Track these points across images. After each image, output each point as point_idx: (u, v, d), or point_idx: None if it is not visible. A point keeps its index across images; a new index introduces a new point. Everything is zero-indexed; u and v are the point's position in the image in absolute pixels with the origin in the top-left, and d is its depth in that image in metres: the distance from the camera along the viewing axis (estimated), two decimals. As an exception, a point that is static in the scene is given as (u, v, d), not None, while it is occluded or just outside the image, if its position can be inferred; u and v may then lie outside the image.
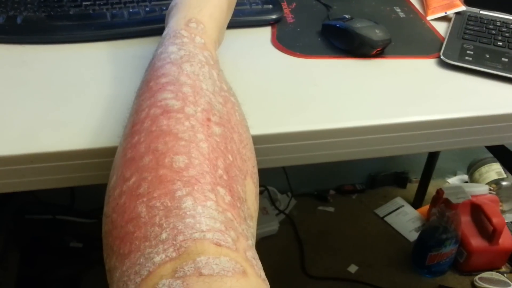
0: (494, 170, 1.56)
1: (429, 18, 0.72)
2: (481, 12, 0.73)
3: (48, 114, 0.47)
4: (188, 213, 0.27)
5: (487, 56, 0.61)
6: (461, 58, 0.60)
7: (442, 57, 0.61)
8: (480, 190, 1.41)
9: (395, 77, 0.58)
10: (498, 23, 0.69)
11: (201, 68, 0.39)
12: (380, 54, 0.62)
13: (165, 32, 0.45)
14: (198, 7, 0.46)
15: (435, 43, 0.65)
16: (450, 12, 0.72)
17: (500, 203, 1.47)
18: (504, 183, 1.53)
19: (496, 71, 0.59)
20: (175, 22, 0.45)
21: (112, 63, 0.56)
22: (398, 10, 0.74)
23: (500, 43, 0.64)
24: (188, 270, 0.25)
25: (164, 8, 0.64)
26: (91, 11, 0.62)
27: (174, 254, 0.25)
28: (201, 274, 0.24)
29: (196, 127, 0.33)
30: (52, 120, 0.46)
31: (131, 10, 0.62)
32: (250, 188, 0.35)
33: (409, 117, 0.52)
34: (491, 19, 0.70)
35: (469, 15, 0.71)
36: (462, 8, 0.72)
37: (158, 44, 0.44)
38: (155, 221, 0.27)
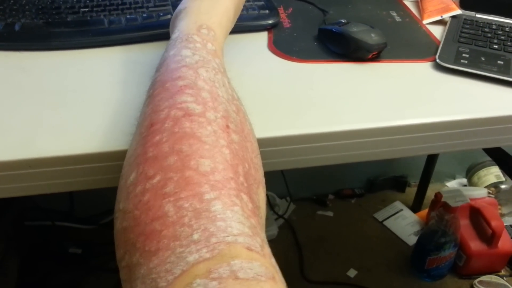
0: (492, 174, 1.56)
1: (425, 22, 0.73)
2: (477, 15, 0.73)
3: (46, 120, 0.47)
4: (218, 216, 0.28)
5: (483, 59, 0.62)
6: (456, 61, 0.61)
7: (438, 60, 0.61)
8: (478, 193, 1.41)
9: (391, 80, 0.59)
10: (494, 27, 0.70)
11: (215, 75, 0.39)
12: (376, 58, 0.62)
13: (175, 35, 0.44)
14: (208, 13, 0.46)
15: (431, 47, 0.66)
16: (446, 16, 0.72)
17: (499, 207, 1.47)
18: (503, 186, 1.53)
19: (492, 73, 0.59)
20: (186, 26, 0.45)
21: (109, 69, 0.57)
22: (394, 14, 0.75)
23: (496, 46, 0.65)
24: (224, 273, 0.25)
25: (161, 14, 0.64)
26: (88, 18, 0.62)
27: (207, 255, 0.26)
28: (237, 278, 0.24)
29: (218, 133, 0.34)
30: (50, 125, 0.47)
31: (128, 16, 0.63)
32: (262, 197, 0.36)
33: (405, 120, 0.52)
34: (486, 23, 0.71)
35: (464, 19, 0.72)
36: (458, 11, 0.72)
37: (169, 46, 0.44)
38: (184, 222, 0.27)
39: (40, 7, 0.63)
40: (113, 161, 0.45)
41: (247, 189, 0.32)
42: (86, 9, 0.63)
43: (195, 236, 0.27)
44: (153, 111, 0.35)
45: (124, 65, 0.57)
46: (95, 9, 0.63)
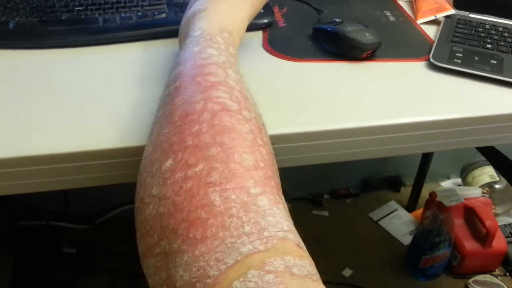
0: (487, 173, 1.57)
1: (419, 21, 0.73)
2: (470, 15, 0.73)
3: (40, 118, 0.47)
4: (267, 211, 0.28)
5: (476, 58, 0.62)
6: (450, 61, 0.61)
7: (431, 59, 0.61)
8: (473, 193, 1.42)
9: (385, 79, 0.59)
10: (487, 26, 0.70)
11: (240, 78, 0.40)
12: (370, 57, 0.62)
13: (197, 33, 0.44)
14: (229, 19, 0.47)
15: (424, 46, 0.66)
16: (440, 16, 0.73)
17: (493, 206, 1.48)
18: (497, 186, 1.53)
19: (485, 73, 0.59)
20: (208, 26, 0.45)
21: (104, 68, 0.57)
22: (388, 14, 0.75)
23: (489, 46, 0.65)
24: (279, 267, 0.25)
25: (156, 12, 0.64)
26: (83, 16, 0.62)
27: (261, 247, 0.26)
28: (292, 274, 0.25)
29: (254, 132, 0.34)
30: (44, 123, 0.47)
31: (123, 15, 0.63)
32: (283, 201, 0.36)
33: (399, 118, 0.52)
34: (480, 22, 0.71)
35: (458, 19, 0.72)
36: (452, 11, 0.73)
37: (190, 42, 0.43)
38: (232, 213, 0.27)
39: (34, 5, 0.63)
40: (107, 159, 0.45)
41: (280, 190, 0.33)
42: (81, 8, 0.63)
43: (246, 228, 0.27)
44: (186, 102, 0.35)
45: (118, 64, 0.57)
46: (89, 7, 0.63)
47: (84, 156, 0.44)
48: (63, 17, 0.61)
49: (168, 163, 0.31)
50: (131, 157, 0.45)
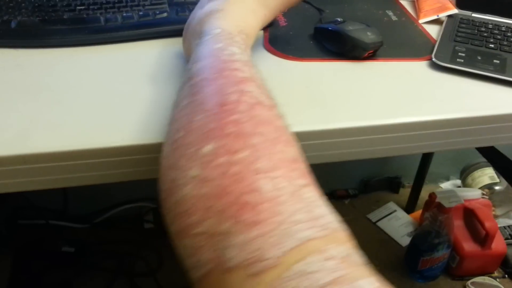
0: (487, 175, 1.57)
1: (421, 21, 0.73)
2: (473, 15, 0.74)
3: (42, 116, 0.47)
4: (316, 202, 0.29)
5: (479, 58, 0.62)
6: (452, 60, 0.61)
7: (433, 59, 0.61)
8: (472, 194, 1.42)
9: (387, 79, 0.59)
10: (490, 26, 0.70)
11: (262, 79, 0.40)
12: (372, 56, 0.62)
13: (216, 31, 0.44)
14: (246, 22, 0.48)
15: (427, 46, 0.66)
16: (442, 15, 0.73)
17: (493, 208, 1.48)
18: (497, 187, 1.53)
19: (488, 72, 0.59)
20: (228, 26, 0.45)
21: (105, 67, 0.56)
22: (390, 13, 0.75)
23: (492, 45, 0.65)
24: (338, 254, 0.25)
25: (158, 12, 0.64)
26: (85, 15, 0.62)
27: (318, 235, 0.26)
28: (351, 262, 0.25)
29: (288, 129, 0.35)
30: (46, 121, 0.46)
31: (124, 14, 0.63)
32: None
33: (401, 118, 0.52)
34: (483, 22, 0.71)
35: (461, 18, 0.72)
36: (454, 11, 0.73)
37: (210, 39, 0.43)
38: (283, 200, 0.28)
39: (36, 4, 0.63)
40: (109, 157, 0.45)
41: None
42: (82, 7, 0.63)
43: (299, 216, 0.27)
44: (219, 93, 0.35)
45: (119, 63, 0.57)
46: (91, 7, 0.63)
47: (85, 155, 0.44)
48: (65, 16, 0.61)
49: (209, 147, 0.31)
50: (131, 155, 0.45)
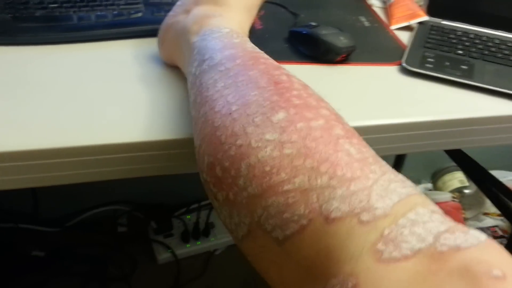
0: (457, 179, 1.60)
1: (392, 27, 0.74)
2: (443, 22, 0.75)
3: (9, 114, 0.46)
4: (392, 169, 0.30)
5: (447, 63, 0.64)
6: (422, 65, 0.62)
7: (404, 64, 0.63)
8: (443, 197, 1.45)
9: (359, 82, 0.60)
10: (459, 33, 0.72)
11: None
12: (345, 60, 0.63)
13: (226, 30, 0.45)
14: (242, 28, 0.49)
15: (398, 51, 0.67)
16: (413, 22, 0.74)
17: (463, 211, 1.51)
18: (466, 191, 1.57)
19: (456, 77, 0.61)
20: (234, 27, 0.47)
21: (77, 66, 0.56)
22: (363, 19, 0.76)
23: (460, 52, 0.67)
24: (438, 210, 0.27)
25: (133, 12, 0.64)
26: (57, 13, 0.61)
27: (415, 191, 0.28)
28: (448, 219, 0.26)
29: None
30: (14, 120, 0.46)
31: (98, 13, 0.62)
32: None
33: (371, 120, 0.53)
34: (452, 29, 0.73)
35: (431, 25, 0.74)
36: (425, 18, 0.75)
37: (221, 35, 0.44)
38: (370, 161, 0.29)
39: (7, 1, 0.62)
40: (77, 157, 0.45)
41: None
42: (55, 5, 0.62)
43: (390, 176, 0.29)
44: (267, 74, 0.37)
45: (92, 62, 0.57)
46: (64, 5, 0.63)
47: (55, 153, 0.44)
48: (36, 14, 0.61)
49: (280, 115, 0.32)
50: (101, 155, 0.45)
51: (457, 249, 0.23)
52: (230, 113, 0.35)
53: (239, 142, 0.32)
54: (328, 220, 0.27)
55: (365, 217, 0.26)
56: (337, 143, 0.30)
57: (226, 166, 0.33)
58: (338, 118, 0.33)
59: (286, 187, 0.29)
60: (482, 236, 0.24)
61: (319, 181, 0.28)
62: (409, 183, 0.29)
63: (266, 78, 0.36)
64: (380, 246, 0.25)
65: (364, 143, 0.32)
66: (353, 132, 0.33)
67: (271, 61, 0.40)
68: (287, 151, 0.30)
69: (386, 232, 0.25)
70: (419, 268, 0.23)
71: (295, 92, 0.34)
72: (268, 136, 0.31)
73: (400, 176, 0.30)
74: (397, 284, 0.23)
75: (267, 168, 0.30)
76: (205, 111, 0.37)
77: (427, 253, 0.23)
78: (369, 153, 0.31)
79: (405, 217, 0.26)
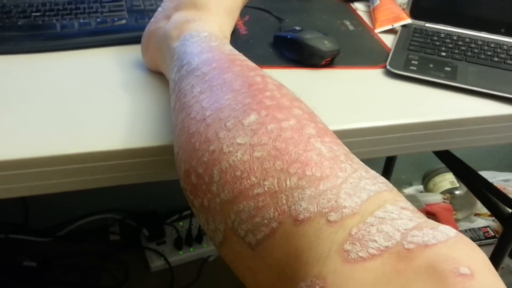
0: (447, 180, 1.60)
1: (377, 30, 0.75)
2: (426, 24, 0.76)
3: (-8, 124, 0.46)
4: (365, 165, 0.31)
5: (431, 65, 0.64)
6: (406, 68, 0.63)
7: (388, 67, 0.63)
8: (434, 199, 1.45)
9: (344, 86, 0.60)
10: (442, 35, 0.72)
11: None
12: (329, 64, 0.63)
13: (204, 34, 0.45)
14: (222, 31, 0.49)
15: (382, 54, 0.68)
16: (397, 25, 0.75)
17: (454, 212, 1.51)
18: (457, 192, 1.57)
19: (439, 79, 0.61)
20: (213, 30, 0.47)
21: (61, 74, 0.56)
22: (348, 23, 0.77)
23: (444, 54, 0.67)
24: (409, 206, 0.27)
25: (116, 19, 0.64)
26: (40, 22, 0.61)
27: (385, 188, 0.28)
28: (419, 215, 0.26)
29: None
30: (-3, 129, 0.46)
31: (81, 21, 0.62)
32: None
33: (357, 123, 0.53)
34: (435, 31, 0.73)
35: (414, 28, 0.74)
36: (408, 21, 0.75)
37: (200, 40, 0.44)
38: (342, 159, 0.30)
39: (-11, 10, 0.62)
40: (61, 165, 0.44)
41: None
42: (38, 13, 0.62)
43: (362, 173, 0.29)
44: (241, 76, 0.37)
45: (76, 70, 0.57)
46: (47, 13, 0.62)
47: (36, 163, 0.43)
48: (19, 23, 0.60)
49: (251, 118, 0.32)
50: (86, 163, 0.45)
51: (424, 246, 0.23)
52: (204, 119, 0.35)
53: (211, 148, 0.33)
54: (296, 221, 0.27)
55: (333, 217, 0.26)
56: (308, 143, 0.30)
57: (200, 173, 0.33)
58: (312, 117, 0.33)
59: (256, 191, 0.29)
60: (452, 232, 0.24)
61: (288, 182, 0.28)
62: (380, 179, 0.29)
63: (240, 81, 0.36)
64: (347, 246, 0.24)
65: (337, 141, 0.32)
66: (326, 130, 0.33)
67: (248, 62, 0.40)
68: (257, 154, 0.30)
69: (353, 231, 0.25)
70: (385, 267, 0.23)
71: (268, 93, 0.34)
72: (239, 140, 0.31)
73: (372, 173, 0.30)
74: (363, 285, 0.23)
75: (238, 173, 0.30)
76: (182, 117, 0.37)
77: (394, 252, 0.23)
78: (341, 151, 0.31)
79: (373, 215, 0.25)
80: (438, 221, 1.05)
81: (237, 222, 0.30)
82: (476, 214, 1.61)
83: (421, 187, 1.74)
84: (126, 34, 0.63)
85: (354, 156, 0.31)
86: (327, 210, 0.26)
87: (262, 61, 0.63)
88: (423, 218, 0.26)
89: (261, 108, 0.33)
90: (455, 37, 0.72)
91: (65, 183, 0.46)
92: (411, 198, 1.37)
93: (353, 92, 0.59)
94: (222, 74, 0.38)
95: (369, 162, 0.34)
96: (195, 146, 0.34)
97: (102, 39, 0.61)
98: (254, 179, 0.30)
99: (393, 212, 0.26)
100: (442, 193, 1.57)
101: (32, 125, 0.47)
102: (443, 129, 0.57)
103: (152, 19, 0.54)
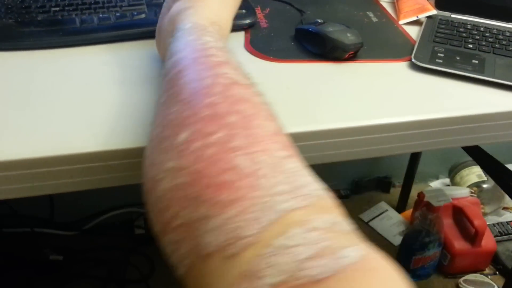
0: (474, 173, 1.57)
1: (401, 22, 0.73)
2: (452, 15, 0.73)
3: (14, 121, 0.46)
4: (298, 172, 0.28)
5: (458, 58, 0.62)
6: (432, 61, 0.61)
7: (413, 60, 0.61)
8: (461, 193, 1.42)
9: (368, 80, 0.58)
10: (469, 26, 0.70)
11: (240, 64, 0.40)
12: (352, 57, 0.62)
13: (187, 26, 0.44)
14: (218, 15, 0.47)
15: (407, 47, 0.66)
16: (422, 16, 0.72)
17: (482, 206, 1.48)
18: (484, 185, 1.54)
19: (467, 72, 0.59)
20: (199, 20, 0.45)
21: (81, 69, 0.55)
22: (371, 14, 0.75)
23: (471, 46, 0.65)
24: (321, 225, 0.24)
25: (135, 13, 0.63)
26: (59, 17, 0.61)
27: (300, 205, 0.25)
28: (336, 231, 0.24)
29: (267, 105, 0.34)
30: (19, 126, 0.45)
31: (101, 15, 0.62)
32: None
33: (382, 119, 0.52)
34: (461, 23, 0.71)
35: (440, 19, 0.72)
36: (434, 12, 0.73)
37: (183, 33, 0.43)
38: (261, 173, 0.27)
39: (9, 6, 0.62)
40: (84, 164, 0.44)
41: None
42: (57, 8, 0.62)
43: (280, 188, 0.26)
44: (193, 80, 0.35)
45: (96, 66, 0.56)
46: (66, 8, 0.62)
47: (60, 161, 0.43)
48: (39, 18, 0.60)
49: (183, 136, 0.30)
50: (110, 160, 0.45)
51: (314, 282, 0.21)
52: (153, 138, 0.33)
53: (152, 173, 0.31)
54: (201, 258, 0.25)
55: (232, 250, 0.24)
56: (230, 159, 0.28)
57: (146, 201, 0.31)
58: (247, 122, 0.31)
59: (175, 223, 0.27)
60: (354, 257, 0.22)
61: (198, 212, 0.26)
62: (305, 190, 0.27)
63: (190, 88, 0.34)
64: (242, 283, 0.23)
65: (269, 147, 0.29)
66: (258, 137, 0.30)
67: (212, 58, 0.37)
68: (178, 180, 0.28)
69: (249, 266, 0.23)
70: None
71: (208, 100, 0.32)
72: (169, 164, 0.29)
73: (296, 183, 0.27)
74: None
75: (164, 204, 0.29)
76: (150, 131, 0.36)
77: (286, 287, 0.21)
78: (268, 161, 0.28)
79: (274, 243, 0.23)
80: (466, 216, 1.02)
81: (167, 255, 0.29)
82: (504, 208, 1.57)
83: (447, 180, 1.71)
84: (146, 28, 0.62)
85: (283, 164, 0.29)
86: (228, 242, 0.24)
87: (283, 55, 0.62)
88: (335, 239, 0.24)
89: (194, 122, 0.31)
90: (482, 28, 0.69)
91: (90, 180, 0.46)
92: (438, 192, 1.34)
93: (377, 86, 0.57)
94: (181, 78, 0.36)
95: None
96: (145, 171, 0.32)
97: (121, 34, 0.61)
98: (173, 210, 0.28)
99: (296, 237, 0.23)
100: (469, 186, 1.54)
101: (53, 123, 0.46)
102: (471, 124, 0.55)
103: (160, 14, 0.53)
